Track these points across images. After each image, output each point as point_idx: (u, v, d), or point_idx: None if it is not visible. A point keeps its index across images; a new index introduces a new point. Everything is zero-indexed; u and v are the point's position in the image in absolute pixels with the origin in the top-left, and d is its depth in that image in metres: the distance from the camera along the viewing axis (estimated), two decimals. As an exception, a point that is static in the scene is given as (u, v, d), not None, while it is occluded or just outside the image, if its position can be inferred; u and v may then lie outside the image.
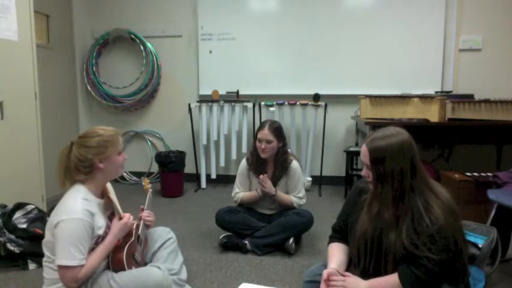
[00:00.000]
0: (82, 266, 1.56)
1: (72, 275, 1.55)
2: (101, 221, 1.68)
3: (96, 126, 1.76)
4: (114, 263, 1.74)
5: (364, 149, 1.41)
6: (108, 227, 1.73)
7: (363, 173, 1.45)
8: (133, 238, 1.82)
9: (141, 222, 1.92)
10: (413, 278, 1.33)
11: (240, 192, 2.74)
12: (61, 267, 1.55)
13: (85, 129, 1.76)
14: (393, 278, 1.37)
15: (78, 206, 1.58)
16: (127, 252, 1.75)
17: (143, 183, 2.12)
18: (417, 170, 1.37)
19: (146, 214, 1.96)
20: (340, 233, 1.63)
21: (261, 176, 2.58)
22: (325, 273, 1.43)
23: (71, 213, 1.56)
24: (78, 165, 1.66)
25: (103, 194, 1.78)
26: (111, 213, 1.82)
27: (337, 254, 1.56)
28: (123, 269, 1.73)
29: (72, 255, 1.53)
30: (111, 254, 1.76)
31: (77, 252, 1.54)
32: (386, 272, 1.41)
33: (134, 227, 1.87)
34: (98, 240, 1.67)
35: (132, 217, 1.82)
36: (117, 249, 1.76)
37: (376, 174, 1.38)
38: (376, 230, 1.42)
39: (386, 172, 1.35)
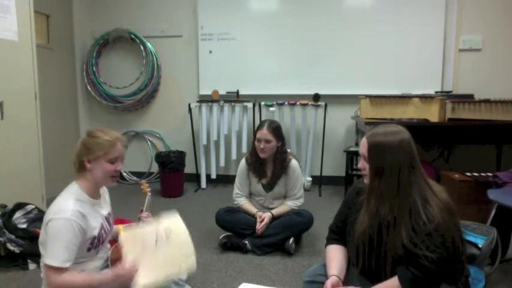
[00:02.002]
0: (64, 269, 1.51)
1: (52, 276, 1.51)
2: (94, 222, 1.67)
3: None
4: (114, 262, 1.74)
5: (364, 141, 1.43)
6: (103, 228, 1.72)
7: (360, 164, 1.47)
8: None
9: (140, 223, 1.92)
10: (412, 277, 1.34)
11: (242, 198, 2.75)
12: (45, 267, 1.53)
13: (95, 129, 1.77)
14: (393, 282, 1.37)
15: (69, 206, 1.57)
16: None
17: (142, 187, 2.13)
18: (415, 168, 1.38)
19: (145, 215, 1.97)
20: (337, 234, 1.63)
21: (259, 217, 2.60)
22: (328, 283, 1.43)
23: (60, 212, 1.55)
24: (74, 160, 1.71)
25: (99, 195, 1.77)
26: (108, 214, 1.81)
27: (336, 257, 1.56)
28: None
29: (56, 256, 1.51)
30: (110, 254, 1.76)
31: (61, 252, 1.51)
32: (385, 272, 1.41)
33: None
34: (94, 241, 1.66)
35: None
36: (116, 249, 1.76)
37: (373, 167, 1.39)
38: (375, 229, 1.42)
39: (384, 166, 1.36)
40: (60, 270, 1.51)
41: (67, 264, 1.53)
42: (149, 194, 2.10)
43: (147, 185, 2.15)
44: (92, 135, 1.70)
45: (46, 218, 1.58)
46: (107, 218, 1.78)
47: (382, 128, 1.43)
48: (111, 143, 1.68)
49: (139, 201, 2.11)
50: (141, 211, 1.99)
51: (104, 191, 1.86)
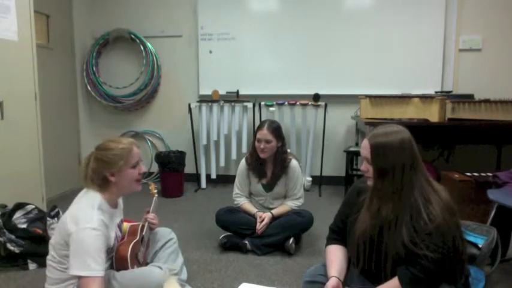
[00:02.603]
0: (99, 277, 1.49)
1: (88, 285, 1.48)
2: (112, 233, 1.69)
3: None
4: (118, 261, 1.76)
5: (365, 143, 1.42)
6: (116, 238, 1.73)
7: (362, 167, 1.47)
8: (137, 238, 1.84)
9: (146, 224, 1.95)
10: (412, 277, 1.34)
11: (242, 198, 2.75)
12: (79, 278, 1.50)
13: (103, 140, 1.74)
14: (393, 283, 1.37)
15: (94, 215, 1.55)
16: (131, 251, 1.76)
17: (150, 188, 2.14)
18: (417, 167, 1.38)
19: (151, 216, 1.99)
20: (337, 234, 1.63)
21: (260, 217, 2.60)
22: (328, 286, 1.44)
23: (87, 222, 1.52)
24: (93, 177, 1.67)
25: (117, 204, 1.78)
26: (120, 221, 1.83)
27: (336, 258, 1.56)
28: (126, 268, 1.74)
29: (88, 266, 1.47)
30: (115, 253, 1.77)
31: (93, 262, 1.48)
32: (385, 272, 1.41)
33: (139, 228, 1.89)
34: (108, 250, 1.66)
35: None
36: (121, 247, 1.78)
37: (377, 169, 1.39)
38: (376, 229, 1.42)
39: (387, 167, 1.36)
40: (94, 278, 1.48)
41: (101, 273, 1.50)
42: (156, 195, 2.13)
43: (155, 186, 2.17)
44: (105, 148, 1.67)
45: (69, 226, 1.53)
46: (118, 226, 1.79)
47: (382, 128, 1.43)
48: (127, 150, 1.68)
49: (141, 201, 2.12)
50: (147, 212, 2.01)
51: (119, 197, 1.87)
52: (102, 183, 1.67)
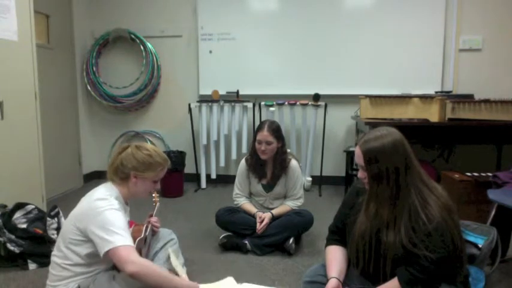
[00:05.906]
0: (133, 247, 1.58)
1: (131, 255, 1.54)
2: None
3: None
4: None
5: (357, 151, 1.42)
6: None
7: (359, 174, 1.46)
8: (142, 236, 1.86)
9: (150, 226, 1.99)
10: (411, 277, 1.34)
11: (242, 198, 2.75)
12: (112, 253, 1.54)
13: (143, 143, 1.85)
14: (393, 283, 1.37)
15: (114, 200, 1.65)
16: (136, 247, 1.78)
17: (153, 195, 2.19)
18: (412, 167, 1.38)
19: (155, 220, 2.04)
20: (337, 234, 1.63)
21: (260, 217, 2.59)
22: (329, 287, 1.44)
23: (109, 205, 1.61)
24: (118, 168, 1.74)
25: (127, 203, 1.86)
26: (128, 222, 1.84)
27: (335, 259, 1.56)
28: None
29: (122, 237, 1.56)
30: None
31: (125, 233, 1.57)
32: (385, 272, 1.41)
33: (144, 227, 1.94)
34: None
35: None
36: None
37: (371, 174, 1.39)
38: (375, 230, 1.42)
39: (381, 172, 1.36)
40: (129, 247, 1.56)
41: (132, 243, 1.59)
42: (158, 203, 2.20)
43: (157, 194, 2.22)
44: (145, 151, 1.75)
45: (91, 211, 1.60)
46: None
47: (373, 133, 1.42)
48: (162, 167, 1.78)
49: (143, 202, 2.13)
50: (151, 216, 2.06)
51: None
52: (123, 178, 1.75)
